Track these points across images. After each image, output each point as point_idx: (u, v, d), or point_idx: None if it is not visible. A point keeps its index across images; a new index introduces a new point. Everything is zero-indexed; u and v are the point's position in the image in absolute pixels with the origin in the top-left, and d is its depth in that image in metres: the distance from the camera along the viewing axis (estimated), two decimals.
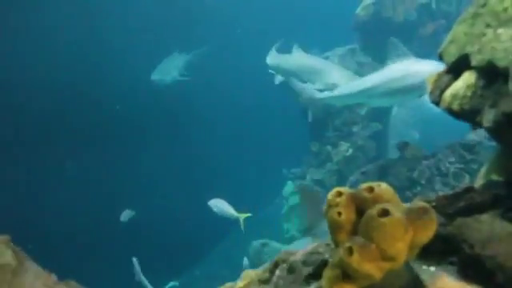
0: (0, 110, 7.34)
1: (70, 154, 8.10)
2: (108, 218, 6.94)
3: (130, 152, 8.67)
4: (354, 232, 0.98)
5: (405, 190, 4.84)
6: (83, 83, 8.29)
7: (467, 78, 1.31)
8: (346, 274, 0.95)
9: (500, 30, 1.20)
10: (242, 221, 5.75)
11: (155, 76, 7.72)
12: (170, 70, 7.83)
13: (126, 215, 6.49)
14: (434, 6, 7.14)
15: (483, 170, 1.55)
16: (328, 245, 1.32)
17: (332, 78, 5.51)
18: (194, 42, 8.95)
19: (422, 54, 6.11)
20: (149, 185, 8.41)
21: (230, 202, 5.92)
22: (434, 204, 1.26)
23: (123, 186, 8.24)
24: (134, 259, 5.82)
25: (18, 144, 7.63)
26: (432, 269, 1.13)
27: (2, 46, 7.46)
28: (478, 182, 1.47)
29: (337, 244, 1.00)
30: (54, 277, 1.41)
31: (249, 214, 5.80)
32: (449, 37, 1.42)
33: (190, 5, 9.66)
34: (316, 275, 1.27)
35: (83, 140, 8.25)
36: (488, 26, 1.24)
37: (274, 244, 7.49)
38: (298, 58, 6.07)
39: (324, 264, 1.23)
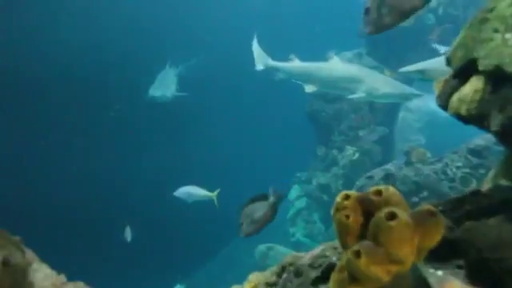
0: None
1: (79, 155, 8.12)
2: (113, 221, 6.96)
3: (137, 154, 8.69)
4: (362, 235, 0.98)
5: (412, 194, 4.82)
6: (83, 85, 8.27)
7: (475, 82, 1.31)
8: (354, 277, 0.95)
9: (508, 35, 1.20)
10: (215, 199, 5.76)
11: (155, 92, 7.44)
12: (168, 84, 7.60)
13: (127, 233, 6.39)
14: (441, 10, 7.13)
15: (490, 174, 1.55)
16: (335, 248, 1.33)
17: (372, 84, 5.27)
18: (189, 52, 8.88)
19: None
20: (155, 188, 8.43)
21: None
22: (441, 208, 1.26)
23: (130, 187, 8.27)
24: None
25: (22, 148, 7.68)
26: (439, 272, 1.13)
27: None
28: (486, 187, 1.47)
29: (344, 247, 1.00)
30: (62, 277, 1.42)
31: (218, 190, 5.81)
32: (456, 41, 1.42)
33: (182, 14, 9.60)
34: (323, 278, 1.28)
35: (89, 141, 8.29)
36: (496, 30, 1.24)
37: (280, 248, 7.48)
38: (335, 66, 5.73)
39: (331, 267, 1.23)
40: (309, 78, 5.77)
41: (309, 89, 5.74)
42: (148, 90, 7.41)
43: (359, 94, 5.23)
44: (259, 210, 3.07)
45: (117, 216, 7.02)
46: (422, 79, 4.14)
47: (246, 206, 3.08)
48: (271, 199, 3.00)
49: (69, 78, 8.10)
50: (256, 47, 6.49)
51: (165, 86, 7.48)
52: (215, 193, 5.79)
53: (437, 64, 4.03)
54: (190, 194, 5.85)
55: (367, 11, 1.88)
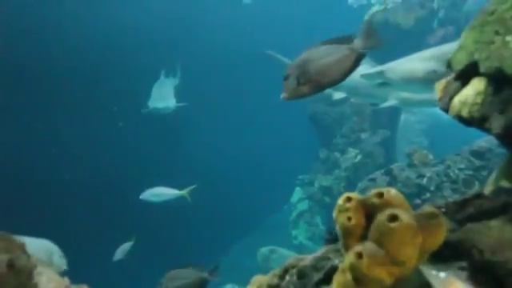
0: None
1: (84, 159, 8.14)
2: (115, 224, 6.97)
3: (137, 158, 8.70)
4: (364, 237, 0.99)
5: (414, 196, 4.81)
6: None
7: (476, 84, 1.32)
8: (357, 279, 0.96)
9: (508, 38, 1.21)
10: (187, 196, 5.69)
11: (156, 104, 7.10)
12: (167, 94, 7.32)
13: (121, 251, 6.05)
14: (442, 12, 7.14)
15: (493, 176, 1.55)
16: (338, 250, 1.33)
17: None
18: (185, 58, 8.82)
19: None
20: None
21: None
22: (443, 210, 1.26)
23: (131, 191, 8.27)
24: None
25: (27, 151, 7.70)
26: (442, 274, 1.14)
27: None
28: (488, 189, 1.47)
29: (347, 249, 1.01)
30: (66, 280, 1.43)
31: (192, 187, 5.73)
32: (457, 44, 1.43)
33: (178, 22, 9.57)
34: (326, 280, 1.28)
35: (95, 143, 8.30)
36: (497, 33, 1.25)
37: (282, 250, 7.49)
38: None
39: (334, 269, 1.23)
40: (340, 85, 5.48)
41: (337, 96, 5.52)
42: (147, 102, 7.13)
43: (391, 102, 5.03)
44: (185, 278, 2.81)
45: (118, 219, 7.04)
46: (383, 82, 3.93)
47: (171, 271, 2.87)
48: (205, 274, 2.78)
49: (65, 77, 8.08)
50: (281, 57, 6.29)
51: (164, 96, 7.20)
52: (186, 190, 5.73)
53: (396, 65, 3.87)
54: (157, 194, 5.75)
55: (286, 77, 1.99)
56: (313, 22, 10.30)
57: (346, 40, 1.97)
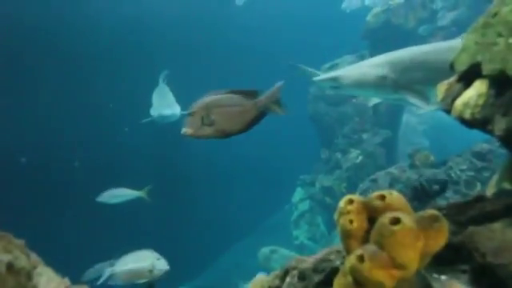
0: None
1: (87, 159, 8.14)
2: (117, 225, 6.96)
3: (139, 160, 8.70)
4: (366, 240, 0.98)
5: (415, 197, 4.80)
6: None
7: (479, 86, 1.31)
8: (357, 282, 0.96)
9: (511, 40, 1.21)
10: (145, 197, 5.62)
11: (163, 111, 6.85)
12: (172, 101, 7.11)
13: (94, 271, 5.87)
14: (444, 13, 7.13)
15: (495, 178, 1.54)
16: (339, 252, 1.33)
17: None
18: (182, 63, 8.74)
19: None
20: (158, 192, 8.42)
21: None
22: (445, 212, 1.25)
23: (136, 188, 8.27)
24: None
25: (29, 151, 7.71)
26: (443, 277, 1.13)
27: None
28: (490, 191, 1.46)
29: (348, 251, 1.00)
30: (66, 280, 1.43)
31: (149, 187, 5.67)
32: (460, 45, 1.42)
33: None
34: (327, 282, 1.28)
35: (93, 148, 8.30)
36: (499, 35, 1.24)
37: (283, 251, 7.48)
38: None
39: (335, 271, 1.23)
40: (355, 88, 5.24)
41: (371, 102, 5.26)
42: (149, 110, 7.01)
43: (430, 107, 4.87)
44: None
45: (118, 220, 7.02)
46: (336, 87, 3.90)
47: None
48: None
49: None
50: (306, 68, 6.13)
51: (168, 103, 7.02)
52: (144, 190, 5.71)
53: (348, 71, 3.84)
54: (115, 195, 5.73)
55: (191, 114, 2.04)
56: (307, 25, 10.31)
57: (251, 94, 2.05)
